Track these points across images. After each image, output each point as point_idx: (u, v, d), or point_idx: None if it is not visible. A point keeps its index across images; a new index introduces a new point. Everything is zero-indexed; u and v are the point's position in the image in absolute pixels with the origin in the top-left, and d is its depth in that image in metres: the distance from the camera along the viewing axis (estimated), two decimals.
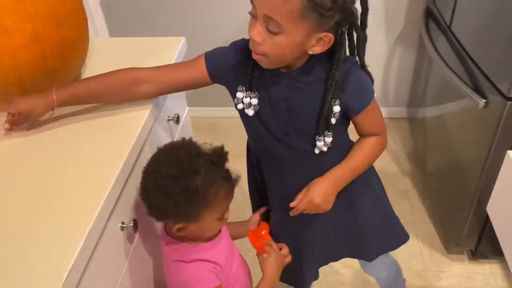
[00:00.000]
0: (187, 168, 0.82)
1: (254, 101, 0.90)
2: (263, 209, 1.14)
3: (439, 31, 1.82)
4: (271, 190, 1.09)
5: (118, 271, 0.88)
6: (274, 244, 1.05)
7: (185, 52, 1.25)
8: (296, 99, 0.89)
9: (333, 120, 0.88)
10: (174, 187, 0.81)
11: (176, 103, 1.24)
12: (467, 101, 1.48)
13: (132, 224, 0.89)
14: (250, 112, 0.92)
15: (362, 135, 0.99)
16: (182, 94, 1.33)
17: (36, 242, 0.70)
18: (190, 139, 0.90)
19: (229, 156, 0.86)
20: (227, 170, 0.88)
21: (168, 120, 1.17)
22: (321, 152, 0.93)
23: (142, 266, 1.00)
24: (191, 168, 0.82)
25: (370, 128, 0.97)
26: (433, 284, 1.68)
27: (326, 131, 0.89)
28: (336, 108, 0.87)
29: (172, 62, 1.15)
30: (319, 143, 0.91)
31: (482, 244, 1.66)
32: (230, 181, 0.89)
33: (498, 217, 0.88)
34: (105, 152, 0.88)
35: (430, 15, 1.96)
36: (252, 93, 0.90)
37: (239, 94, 0.92)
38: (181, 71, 0.95)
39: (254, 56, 0.83)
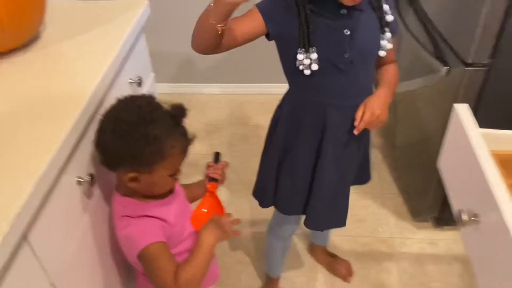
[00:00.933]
0: (147, 117, 0.83)
1: (314, 55, 0.97)
2: (211, 163, 1.15)
3: (408, 4, 1.84)
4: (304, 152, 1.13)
5: (75, 225, 0.88)
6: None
7: (148, 15, 1.25)
8: (355, 23, 0.98)
9: (389, 18, 1.02)
10: (133, 133, 0.82)
11: (138, 67, 1.23)
12: (431, 70, 1.51)
13: (89, 179, 0.89)
14: (314, 67, 0.98)
15: (384, 64, 1.11)
16: (146, 59, 1.32)
17: None
18: (151, 94, 0.90)
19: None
20: (184, 127, 0.89)
21: (131, 82, 1.16)
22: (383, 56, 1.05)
23: (101, 221, 1.00)
24: (150, 118, 0.83)
25: (392, 55, 1.10)
26: (397, 250, 1.73)
27: (386, 28, 1.02)
28: (386, 7, 1.01)
29: (132, 25, 1.14)
30: (383, 42, 1.03)
31: (446, 211, 1.71)
32: (186, 137, 0.90)
33: (447, 171, 0.91)
34: (61, 104, 0.87)
35: None
36: (311, 48, 0.96)
37: (300, 56, 0.98)
38: (244, 25, 0.98)
39: None
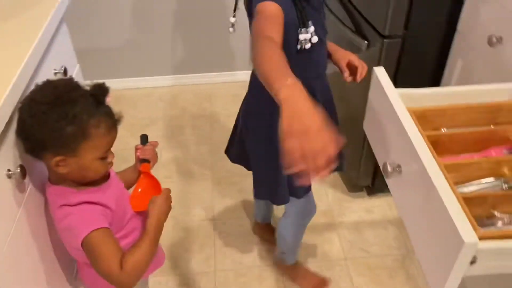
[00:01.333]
0: (64, 97, 0.81)
1: (311, 28, 1.03)
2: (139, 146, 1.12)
3: None
4: None
5: (9, 220, 0.84)
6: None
7: (67, 4, 1.21)
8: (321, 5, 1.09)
9: None
10: (50, 114, 0.79)
11: (62, 57, 1.19)
12: (355, 47, 1.60)
13: (19, 171, 0.86)
14: (315, 38, 1.03)
15: None
16: (70, 50, 1.28)
17: None
18: (70, 76, 0.87)
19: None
20: (109, 106, 0.87)
21: (55, 73, 1.12)
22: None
23: (38, 214, 0.96)
24: (68, 98, 0.81)
25: None
26: (337, 221, 1.82)
27: None
28: None
29: (50, 15, 1.10)
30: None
31: (378, 180, 1.82)
32: (111, 117, 0.87)
33: (371, 130, 0.97)
34: None
35: None
36: (309, 23, 1.02)
37: (302, 36, 1.02)
38: (280, 27, 0.93)
39: None
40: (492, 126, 0.91)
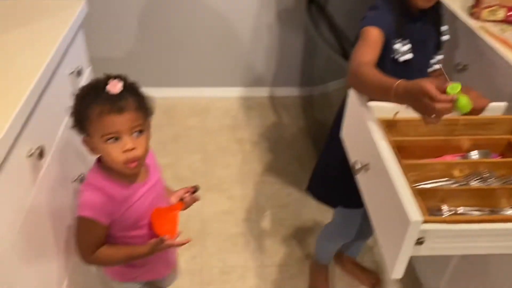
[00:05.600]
0: (85, 87, 0.99)
1: (408, 46, 1.13)
2: (191, 188, 1.19)
3: (318, 13, 2.10)
4: None
5: (24, 198, 0.96)
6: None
7: (85, 13, 1.35)
8: (427, 34, 1.18)
9: (444, 38, 1.23)
10: (76, 100, 0.98)
11: (77, 60, 1.33)
12: (344, 72, 1.76)
13: (38, 152, 0.98)
14: (409, 55, 1.14)
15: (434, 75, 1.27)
16: (85, 53, 1.42)
17: None
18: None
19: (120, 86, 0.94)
20: (116, 95, 0.93)
21: (71, 72, 1.26)
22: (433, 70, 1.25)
23: (51, 193, 1.09)
24: (87, 88, 0.98)
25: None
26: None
27: (439, 50, 1.23)
28: (444, 27, 1.22)
29: (71, 22, 1.24)
30: (437, 57, 1.23)
31: None
32: (111, 102, 0.93)
33: (347, 136, 1.11)
34: (6, 90, 0.96)
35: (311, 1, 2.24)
36: (405, 40, 1.13)
37: (397, 46, 1.13)
38: (377, 51, 1.10)
39: None
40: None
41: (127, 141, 0.95)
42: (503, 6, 1.25)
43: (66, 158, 1.22)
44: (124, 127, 0.94)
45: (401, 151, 1.00)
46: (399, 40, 1.14)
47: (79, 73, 1.29)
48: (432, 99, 0.81)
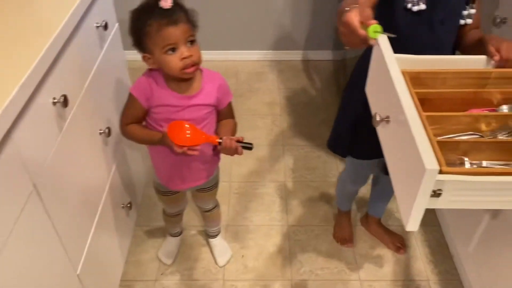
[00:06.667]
0: (139, 8, 1.10)
1: None
2: (240, 138, 1.20)
3: None
4: None
5: (50, 143, 1.00)
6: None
7: None
8: None
9: None
10: (132, 21, 1.11)
11: (103, 13, 1.34)
12: None
13: (62, 100, 1.01)
14: (422, 6, 1.07)
15: (470, 29, 1.16)
16: (111, 7, 1.43)
17: None
18: None
19: None
20: (167, 9, 1.05)
21: (97, 26, 1.28)
22: (464, 25, 1.13)
23: (76, 142, 1.13)
24: (140, 8, 1.09)
25: (477, 21, 1.16)
26: None
27: (471, 4, 1.11)
28: None
29: None
30: (466, 12, 1.11)
31: None
32: (165, 17, 1.05)
33: (371, 91, 1.08)
34: (33, 34, 0.98)
35: None
36: None
37: None
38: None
39: None
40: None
41: (184, 50, 1.08)
42: None
43: (93, 109, 1.26)
44: (180, 37, 1.07)
45: (426, 103, 0.96)
46: None
47: (105, 27, 1.31)
48: (352, 31, 0.86)
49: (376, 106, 1.04)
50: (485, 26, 1.37)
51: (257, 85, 2.58)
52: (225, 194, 1.92)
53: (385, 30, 1.02)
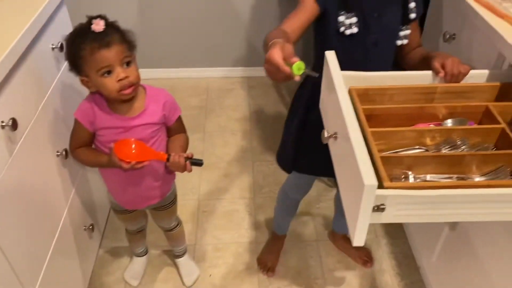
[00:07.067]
0: (73, 32, 1.11)
1: (354, 19, 1.10)
2: (189, 154, 1.21)
3: None
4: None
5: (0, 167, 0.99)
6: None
7: None
8: (383, 7, 1.11)
9: (412, 16, 1.13)
10: (67, 45, 1.12)
11: (60, 34, 1.33)
12: None
13: (10, 124, 1.00)
14: (354, 30, 1.10)
15: (412, 48, 1.21)
16: (68, 28, 1.43)
17: None
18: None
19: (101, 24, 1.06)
20: (99, 33, 1.06)
21: (53, 48, 1.27)
22: (401, 46, 1.17)
23: (30, 165, 1.12)
24: (74, 32, 1.10)
25: (417, 39, 1.22)
26: (315, 206, 1.94)
27: (406, 25, 1.15)
28: (412, 4, 1.13)
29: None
30: (402, 33, 1.15)
31: None
32: (98, 40, 1.05)
33: (323, 108, 1.09)
34: None
35: None
36: (350, 13, 1.09)
37: (341, 18, 1.10)
38: (301, 17, 1.10)
39: None
40: None
41: (119, 71, 1.08)
42: None
43: (49, 131, 1.24)
44: (114, 59, 1.07)
45: (374, 119, 0.98)
46: (343, 12, 1.10)
47: (62, 48, 1.30)
48: (276, 69, 0.85)
49: (327, 122, 1.06)
50: (435, 42, 1.42)
51: (227, 102, 2.59)
52: (193, 212, 1.91)
53: (320, 54, 1.08)
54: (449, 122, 0.98)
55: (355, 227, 0.80)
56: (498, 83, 1.03)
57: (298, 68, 0.86)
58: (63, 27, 1.38)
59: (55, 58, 1.30)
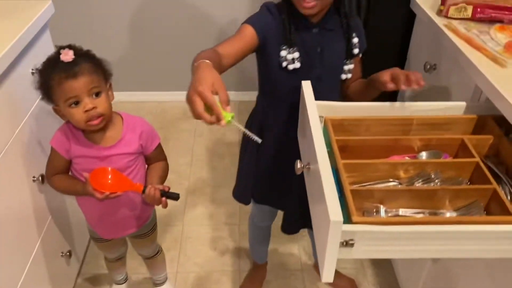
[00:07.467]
0: (44, 64, 1.09)
1: (296, 54, 1.09)
2: (166, 187, 1.18)
3: None
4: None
5: None
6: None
7: (52, 12, 1.36)
8: (326, 42, 1.11)
9: (355, 51, 1.14)
10: (38, 75, 1.11)
11: (42, 57, 1.33)
12: None
13: None
14: (297, 65, 1.09)
15: (353, 81, 1.21)
16: (51, 46, 1.42)
17: None
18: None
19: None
20: (68, 63, 1.04)
21: (32, 72, 1.27)
22: (345, 79, 1.17)
23: (3, 189, 1.09)
24: (45, 64, 1.09)
25: (359, 73, 1.22)
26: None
27: (350, 60, 1.14)
28: (355, 40, 1.13)
29: (32, 21, 1.25)
30: (346, 67, 1.15)
31: None
32: (66, 71, 1.04)
33: (300, 136, 1.08)
34: None
35: None
36: (292, 48, 1.08)
37: (283, 53, 1.09)
38: (237, 43, 1.08)
39: (307, 5, 1.01)
40: None
41: (87, 102, 1.07)
42: (470, 4, 1.20)
43: (25, 156, 1.23)
44: (82, 90, 1.05)
45: (349, 150, 0.97)
46: (285, 47, 1.09)
47: None
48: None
49: (303, 152, 1.05)
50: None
51: (215, 125, 2.58)
52: (177, 239, 1.88)
53: (264, 86, 1.15)
54: (423, 155, 0.97)
55: (323, 263, 0.78)
56: (475, 116, 1.03)
57: (228, 118, 0.82)
58: (45, 51, 1.37)
59: (34, 83, 1.29)
